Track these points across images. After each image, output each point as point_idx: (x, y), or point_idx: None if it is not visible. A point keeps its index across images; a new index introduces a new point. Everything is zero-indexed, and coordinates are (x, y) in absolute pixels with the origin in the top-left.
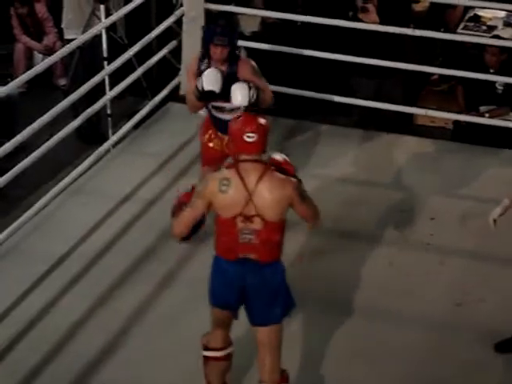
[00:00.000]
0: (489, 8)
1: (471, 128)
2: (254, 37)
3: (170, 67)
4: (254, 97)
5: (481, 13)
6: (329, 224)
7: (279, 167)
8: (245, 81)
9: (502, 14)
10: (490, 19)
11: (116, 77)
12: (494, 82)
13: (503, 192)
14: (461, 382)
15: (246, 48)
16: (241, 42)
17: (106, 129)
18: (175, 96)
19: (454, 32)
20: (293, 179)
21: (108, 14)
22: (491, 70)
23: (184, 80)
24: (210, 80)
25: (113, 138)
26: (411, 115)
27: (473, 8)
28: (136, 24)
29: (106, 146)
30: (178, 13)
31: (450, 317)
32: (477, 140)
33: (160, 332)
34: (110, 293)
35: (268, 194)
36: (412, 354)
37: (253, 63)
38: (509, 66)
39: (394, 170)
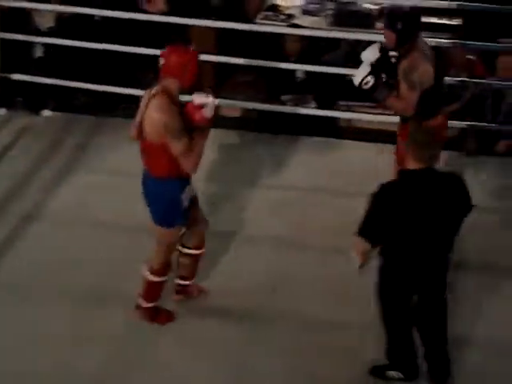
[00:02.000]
0: None
1: (274, 117)
2: (50, 32)
3: None
4: (369, 85)
5: (278, 2)
6: None
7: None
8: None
9: (300, 2)
10: (288, 8)
11: None
12: (294, 71)
13: (309, 179)
14: (278, 367)
15: (44, 44)
16: (37, 39)
17: None
18: None
19: (254, 22)
20: (167, 114)
21: None
22: (291, 59)
23: None
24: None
25: None
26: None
27: None
28: None
29: None
30: None
31: (266, 303)
32: (280, 129)
33: None
34: None
35: (148, 116)
36: (230, 344)
37: (412, 63)
38: (308, 55)
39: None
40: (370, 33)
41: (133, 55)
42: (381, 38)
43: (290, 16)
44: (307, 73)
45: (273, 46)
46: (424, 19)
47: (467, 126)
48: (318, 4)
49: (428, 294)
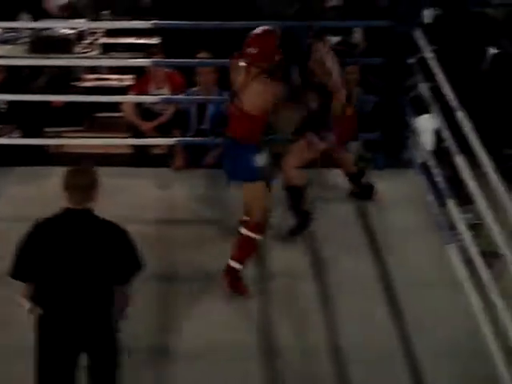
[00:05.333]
0: None
1: None
2: None
3: None
4: None
5: None
6: None
7: None
8: None
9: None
10: None
11: None
12: None
13: (14, 209)
14: None
15: None
16: None
17: None
18: None
19: None
20: None
21: None
22: None
23: None
24: None
25: None
26: None
27: None
28: None
29: None
30: None
31: None
32: None
33: None
34: None
35: None
36: None
37: None
38: (10, 84)
39: None
40: (69, 57)
41: None
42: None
43: None
44: (10, 102)
45: None
46: (123, 40)
47: (174, 141)
48: (14, 32)
49: (94, 352)
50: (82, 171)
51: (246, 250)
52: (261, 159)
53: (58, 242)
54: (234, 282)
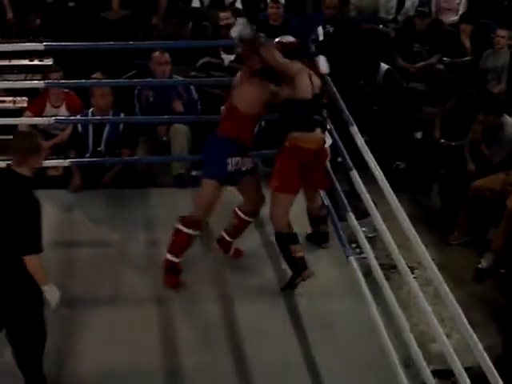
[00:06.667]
0: None
1: None
2: None
3: None
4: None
5: None
6: None
7: None
8: None
9: None
10: None
11: None
12: None
13: None
14: None
15: None
16: None
17: None
18: None
19: None
20: None
21: None
22: None
23: None
24: None
25: None
26: None
27: None
28: None
29: None
30: None
31: None
32: None
33: None
34: None
35: None
36: None
37: None
38: None
39: None
40: None
41: None
42: None
43: None
44: None
45: None
46: (16, 62)
47: (71, 162)
48: None
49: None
50: (21, 136)
51: (179, 243)
52: (232, 162)
53: None
54: (168, 274)
